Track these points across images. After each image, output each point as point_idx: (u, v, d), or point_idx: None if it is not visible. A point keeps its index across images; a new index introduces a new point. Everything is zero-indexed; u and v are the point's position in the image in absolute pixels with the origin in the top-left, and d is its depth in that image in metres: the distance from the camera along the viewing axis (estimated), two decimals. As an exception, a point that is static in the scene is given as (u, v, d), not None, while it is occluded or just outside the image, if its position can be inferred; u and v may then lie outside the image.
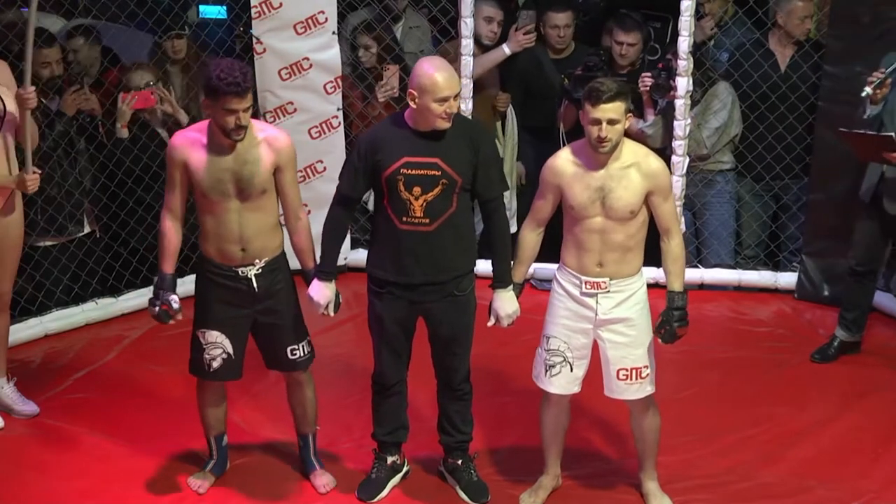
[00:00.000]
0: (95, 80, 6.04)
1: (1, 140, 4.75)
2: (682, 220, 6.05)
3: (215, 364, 4.37)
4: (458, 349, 4.37)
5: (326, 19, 6.30)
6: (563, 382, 4.30)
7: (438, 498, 4.54)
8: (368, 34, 6.44)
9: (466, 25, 6.05)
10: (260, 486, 4.59)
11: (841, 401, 5.24)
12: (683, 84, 5.87)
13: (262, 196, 4.22)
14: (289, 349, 4.40)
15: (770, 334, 5.99)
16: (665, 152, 5.93)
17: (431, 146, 4.13)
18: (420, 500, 4.54)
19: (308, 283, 4.37)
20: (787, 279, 6.38)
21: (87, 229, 5.98)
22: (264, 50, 6.30)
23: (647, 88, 6.01)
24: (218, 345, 4.34)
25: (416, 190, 4.13)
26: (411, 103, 4.10)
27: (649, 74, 5.99)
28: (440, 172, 4.13)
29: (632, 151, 4.14)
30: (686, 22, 5.79)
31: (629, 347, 4.22)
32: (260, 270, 4.28)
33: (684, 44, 5.81)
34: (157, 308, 4.30)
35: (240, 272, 4.27)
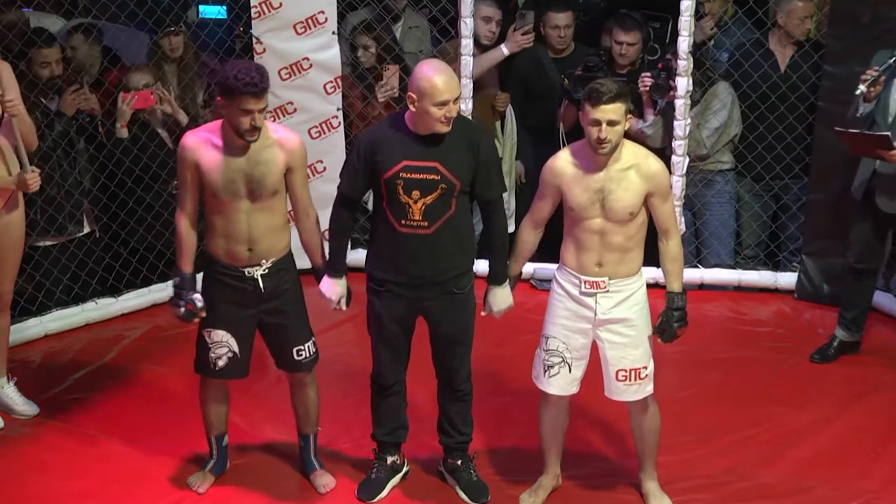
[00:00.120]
0: (95, 80, 6.04)
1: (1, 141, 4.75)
2: (682, 220, 6.06)
3: (221, 363, 4.37)
4: (458, 348, 4.37)
5: (326, 19, 6.30)
6: (561, 383, 4.30)
7: (438, 498, 4.54)
8: (368, 34, 6.44)
9: (466, 25, 6.05)
10: (260, 486, 4.59)
11: (840, 401, 5.25)
12: (683, 84, 5.87)
13: (273, 197, 4.23)
14: (295, 350, 4.40)
15: (770, 334, 5.99)
16: (665, 152, 5.93)
17: (431, 150, 4.13)
18: (420, 501, 4.54)
19: (319, 280, 4.41)
20: (787, 279, 6.38)
21: (86, 229, 5.98)
22: (264, 50, 6.30)
23: (647, 88, 6.01)
24: (224, 344, 4.35)
25: (416, 194, 4.13)
26: (411, 106, 4.09)
27: (649, 74, 5.99)
28: (439, 177, 4.12)
29: (631, 153, 4.14)
30: (686, 22, 5.79)
31: (628, 348, 4.23)
32: (266, 271, 4.28)
33: (684, 44, 5.82)
34: (181, 308, 4.29)
35: (246, 272, 4.27)
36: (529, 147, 6.53)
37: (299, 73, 6.36)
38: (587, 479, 4.63)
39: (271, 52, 6.29)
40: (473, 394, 4.50)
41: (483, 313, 4.42)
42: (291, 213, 4.37)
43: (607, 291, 4.18)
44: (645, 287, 4.26)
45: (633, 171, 4.11)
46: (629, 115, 4.09)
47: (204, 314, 4.29)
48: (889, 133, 5.06)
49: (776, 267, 6.47)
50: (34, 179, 4.74)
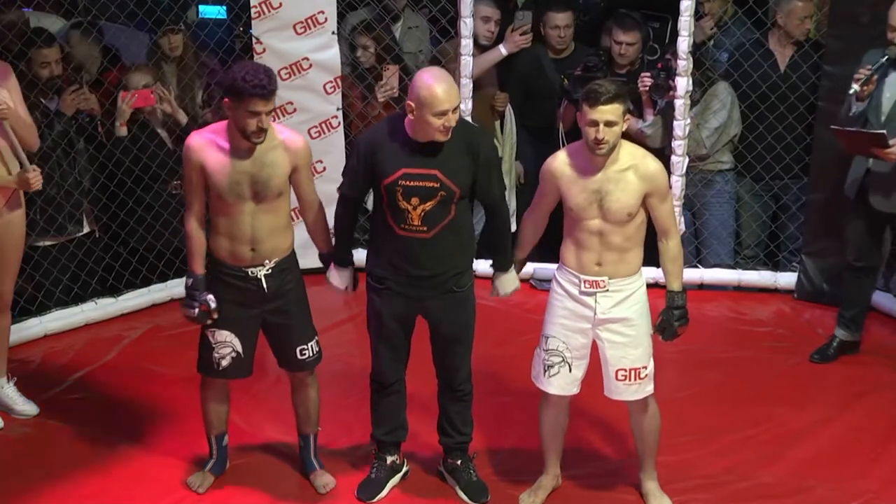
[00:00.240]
0: (95, 80, 6.04)
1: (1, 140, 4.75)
2: (682, 220, 6.05)
3: (224, 363, 4.37)
4: (458, 347, 4.37)
5: (326, 19, 6.30)
6: (561, 383, 4.31)
7: (438, 498, 4.55)
8: (367, 34, 6.44)
9: (466, 25, 6.05)
10: (260, 486, 4.59)
11: (840, 401, 5.25)
12: (683, 84, 5.87)
13: (278, 198, 4.23)
14: (298, 349, 4.41)
15: (770, 334, 5.99)
16: (664, 152, 5.93)
17: (430, 157, 4.11)
18: (420, 500, 4.54)
19: (326, 266, 4.44)
20: (787, 279, 6.38)
21: (86, 229, 5.97)
22: (264, 50, 6.30)
23: (647, 88, 6.01)
24: (227, 343, 4.34)
25: (415, 200, 4.13)
26: (409, 114, 4.08)
27: (648, 74, 5.99)
28: (438, 184, 4.11)
29: (629, 153, 4.14)
30: (685, 22, 5.79)
31: (627, 347, 4.23)
32: (269, 271, 4.28)
33: (684, 44, 5.81)
34: (195, 310, 4.27)
35: (249, 273, 4.27)
36: (529, 147, 6.53)
37: (299, 73, 6.36)
38: (587, 479, 4.63)
39: (271, 52, 6.29)
40: (473, 394, 4.50)
41: (490, 295, 4.45)
42: (296, 209, 4.38)
43: (607, 291, 4.18)
44: (645, 287, 4.26)
45: (630, 172, 4.11)
46: (628, 116, 4.09)
47: (217, 315, 4.27)
48: (885, 131, 5.08)
49: (776, 267, 6.47)
50: (35, 177, 4.73)
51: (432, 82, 4.01)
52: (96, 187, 6.00)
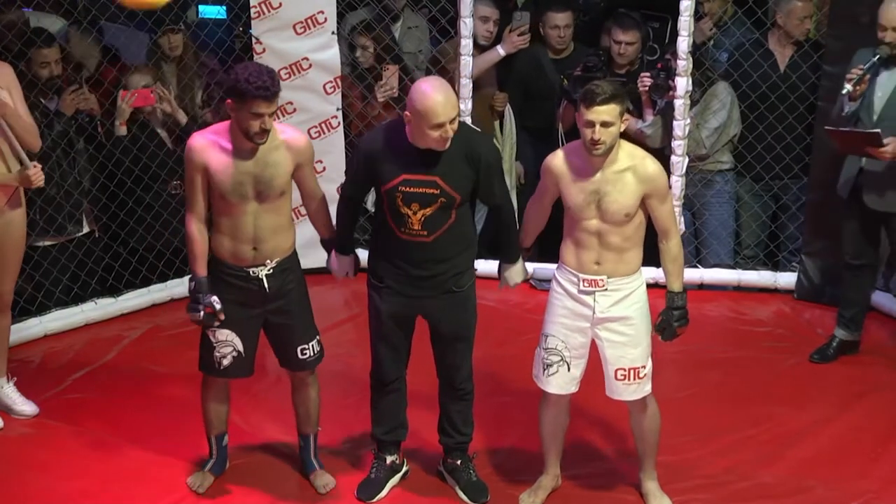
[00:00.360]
0: (94, 80, 6.04)
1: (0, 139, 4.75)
2: (682, 220, 6.05)
3: (226, 362, 4.37)
4: (459, 345, 4.37)
5: (326, 19, 6.30)
6: (560, 382, 4.31)
7: (438, 498, 4.55)
8: (366, 34, 6.44)
9: (466, 25, 6.05)
10: (260, 486, 4.59)
11: (840, 401, 5.25)
12: (683, 84, 5.87)
13: (280, 197, 4.23)
14: (299, 349, 4.41)
15: (769, 334, 5.99)
16: (664, 152, 5.93)
17: (430, 164, 4.09)
18: (420, 500, 4.54)
19: (328, 252, 4.47)
20: (787, 279, 6.38)
21: (86, 229, 5.97)
22: (263, 50, 6.30)
23: (646, 89, 6.01)
24: (228, 343, 4.34)
25: (415, 206, 4.12)
26: (407, 124, 4.07)
27: (648, 75, 5.99)
28: (438, 191, 4.11)
29: (628, 154, 4.14)
30: (685, 22, 5.79)
31: (626, 347, 4.23)
32: (271, 271, 4.28)
33: (683, 44, 5.81)
34: (200, 313, 4.23)
35: (251, 272, 4.26)
36: (529, 148, 6.53)
37: (299, 73, 6.36)
38: (587, 479, 4.63)
39: (271, 52, 6.28)
40: (474, 394, 4.50)
41: (499, 287, 4.46)
42: (297, 209, 4.38)
43: (605, 290, 4.18)
44: (644, 286, 4.26)
45: (629, 173, 4.10)
46: (626, 117, 4.09)
47: (223, 317, 4.25)
48: (879, 130, 5.09)
49: (776, 267, 6.47)
50: (37, 174, 4.72)
51: (428, 95, 3.97)
52: (96, 187, 6.00)
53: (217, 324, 4.27)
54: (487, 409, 4.84)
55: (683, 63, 5.84)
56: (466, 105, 6.09)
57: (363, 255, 4.42)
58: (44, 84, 5.66)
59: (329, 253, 4.49)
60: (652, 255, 4.30)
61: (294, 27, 6.29)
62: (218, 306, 4.22)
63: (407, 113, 4.04)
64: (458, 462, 4.55)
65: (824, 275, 6.20)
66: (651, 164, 4.14)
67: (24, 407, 5.10)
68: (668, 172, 4.39)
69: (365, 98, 6.46)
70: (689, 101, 5.97)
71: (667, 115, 6.02)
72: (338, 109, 6.45)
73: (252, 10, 6.25)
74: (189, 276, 4.36)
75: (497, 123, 6.49)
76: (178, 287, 6.19)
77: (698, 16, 6.14)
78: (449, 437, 4.54)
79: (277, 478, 4.65)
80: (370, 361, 4.48)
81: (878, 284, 5.98)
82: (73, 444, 4.88)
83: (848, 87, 5.18)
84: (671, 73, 5.92)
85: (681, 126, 5.95)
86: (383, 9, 6.50)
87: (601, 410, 4.89)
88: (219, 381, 4.46)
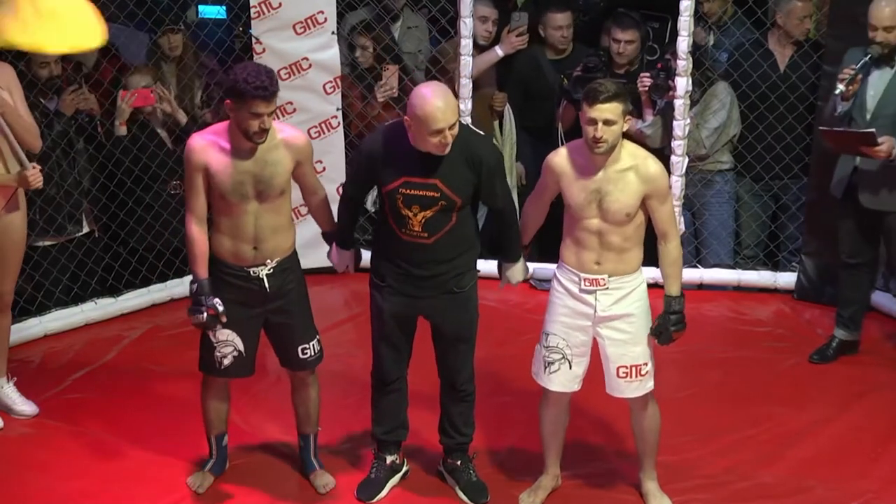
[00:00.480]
0: (94, 80, 6.04)
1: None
2: (682, 220, 6.05)
3: (226, 361, 4.36)
4: (461, 346, 4.37)
5: (326, 19, 6.30)
6: (562, 379, 4.31)
7: (438, 498, 4.55)
8: (366, 34, 6.44)
9: (466, 25, 6.05)
10: (259, 486, 4.59)
11: (840, 401, 5.25)
12: (682, 84, 5.87)
13: (280, 197, 4.23)
14: (300, 348, 4.41)
15: (769, 334, 5.99)
16: (664, 152, 5.93)
17: (431, 167, 4.08)
18: (420, 500, 4.54)
19: (329, 245, 4.48)
20: (787, 279, 6.38)
21: (86, 229, 5.97)
22: (263, 50, 6.30)
23: (646, 89, 6.01)
24: (229, 343, 4.33)
25: (415, 208, 4.12)
26: (408, 128, 4.07)
27: (648, 75, 5.99)
28: (439, 194, 4.10)
29: (630, 154, 4.14)
30: (685, 22, 5.79)
31: (628, 344, 4.23)
32: (271, 270, 4.28)
33: (683, 44, 5.81)
34: (203, 315, 4.19)
35: (251, 272, 4.26)
36: (529, 148, 6.52)
37: (299, 73, 6.36)
38: (587, 479, 4.63)
39: (271, 52, 6.28)
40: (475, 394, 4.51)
41: (500, 287, 4.46)
42: (297, 209, 4.38)
43: (607, 289, 4.18)
44: (645, 284, 4.26)
45: (631, 173, 4.11)
46: (628, 117, 4.09)
47: (225, 318, 4.23)
48: (874, 130, 5.10)
49: (775, 267, 6.47)
50: (35, 175, 4.71)
51: (428, 100, 3.95)
52: (96, 187, 6.00)
53: (220, 325, 4.26)
54: (488, 409, 4.84)
55: (683, 63, 5.84)
56: (466, 105, 6.09)
57: (366, 254, 4.43)
58: (44, 84, 5.66)
59: (330, 246, 4.50)
60: (653, 255, 4.29)
61: (294, 27, 6.29)
62: (220, 308, 4.20)
63: (406, 118, 4.04)
64: (458, 462, 4.55)
65: (824, 275, 6.20)
66: (653, 164, 4.14)
67: (24, 407, 5.10)
68: (668, 172, 4.38)
69: (365, 98, 6.46)
70: (688, 101, 5.97)
71: (667, 115, 6.02)
72: (338, 109, 6.45)
73: (252, 10, 6.25)
74: (190, 277, 4.35)
75: (497, 123, 6.49)
76: (178, 287, 6.19)
77: (697, 16, 6.13)
78: (449, 438, 4.54)
79: (277, 478, 4.65)
80: (371, 361, 4.48)
81: (878, 284, 5.98)
82: (73, 444, 4.88)
83: (840, 87, 5.19)
84: (671, 73, 5.92)
85: (681, 126, 5.95)
86: (383, 9, 6.50)
87: (601, 410, 4.89)
88: (219, 380, 4.46)
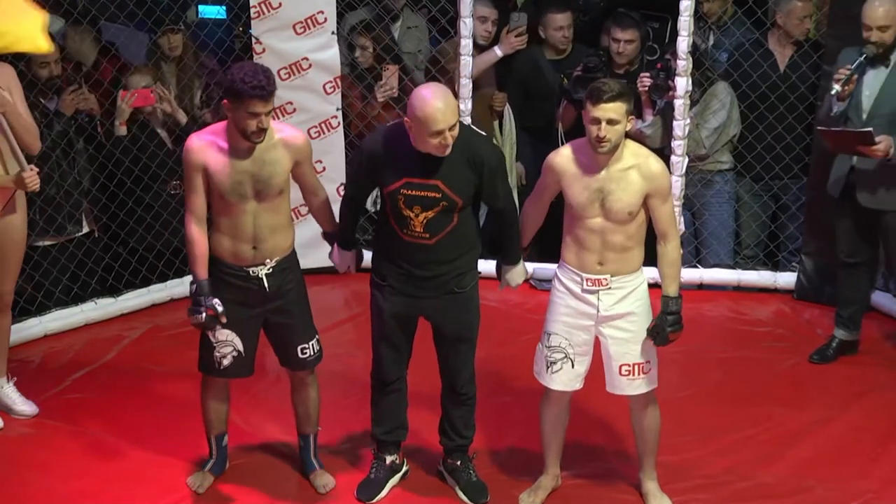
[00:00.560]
0: (94, 80, 6.04)
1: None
2: (682, 220, 6.05)
3: (226, 362, 4.36)
4: (461, 346, 4.37)
5: (325, 19, 6.30)
6: (564, 379, 4.31)
7: (438, 498, 4.55)
8: (366, 34, 6.44)
9: (465, 25, 6.05)
10: (259, 486, 4.59)
11: (840, 401, 5.25)
12: (682, 84, 5.87)
13: (279, 196, 4.23)
14: (299, 348, 4.41)
15: (769, 334, 5.99)
16: (664, 152, 5.93)
17: (432, 168, 4.08)
18: (420, 500, 4.54)
19: (330, 244, 4.48)
20: (787, 279, 6.39)
21: (85, 229, 5.97)
22: (263, 50, 6.30)
23: (646, 89, 6.01)
24: (229, 343, 4.33)
25: (416, 209, 4.12)
26: (409, 130, 4.06)
27: (648, 75, 5.99)
28: (440, 195, 4.10)
29: (632, 153, 4.14)
30: (685, 22, 5.79)
31: (631, 343, 4.23)
32: (271, 270, 4.28)
33: (683, 44, 5.81)
34: (202, 315, 4.19)
35: (251, 272, 4.26)
36: (529, 148, 6.53)
37: (298, 73, 6.36)
38: (587, 479, 4.63)
39: (270, 52, 6.28)
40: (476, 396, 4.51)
41: (500, 288, 4.46)
42: (297, 209, 4.38)
43: (609, 289, 4.18)
44: (646, 283, 4.26)
45: (633, 172, 4.11)
46: (631, 116, 4.09)
47: (225, 319, 4.22)
48: (871, 129, 5.10)
49: (775, 267, 6.47)
50: (32, 177, 4.70)
51: (428, 101, 3.95)
52: (96, 187, 6.00)
53: (220, 326, 4.26)
54: (488, 409, 4.84)
55: (683, 63, 5.84)
56: (466, 105, 6.09)
57: (369, 255, 4.43)
58: (43, 84, 5.66)
59: (332, 246, 4.50)
60: (653, 255, 4.29)
61: (294, 27, 6.29)
62: (220, 309, 4.20)
63: (407, 119, 4.04)
64: (458, 462, 4.55)
65: (824, 275, 6.20)
66: (655, 163, 4.14)
67: (24, 407, 5.10)
68: (670, 174, 4.38)
69: (365, 98, 6.46)
70: (688, 101, 5.97)
71: (666, 115, 6.02)
72: (337, 109, 6.45)
73: (252, 10, 6.25)
74: (190, 277, 4.35)
75: (496, 123, 6.49)
76: (177, 287, 6.19)
77: (697, 16, 6.13)
78: (450, 440, 4.53)
79: (277, 478, 4.65)
80: (370, 361, 4.48)
81: (878, 284, 5.98)
82: (73, 444, 4.88)
83: (836, 87, 5.20)
84: (671, 73, 5.92)
85: (680, 126, 5.95)
86: (383, 9, 6.51)
87: (601, 410, 4.89)
88: (219, 381, 4.46)
